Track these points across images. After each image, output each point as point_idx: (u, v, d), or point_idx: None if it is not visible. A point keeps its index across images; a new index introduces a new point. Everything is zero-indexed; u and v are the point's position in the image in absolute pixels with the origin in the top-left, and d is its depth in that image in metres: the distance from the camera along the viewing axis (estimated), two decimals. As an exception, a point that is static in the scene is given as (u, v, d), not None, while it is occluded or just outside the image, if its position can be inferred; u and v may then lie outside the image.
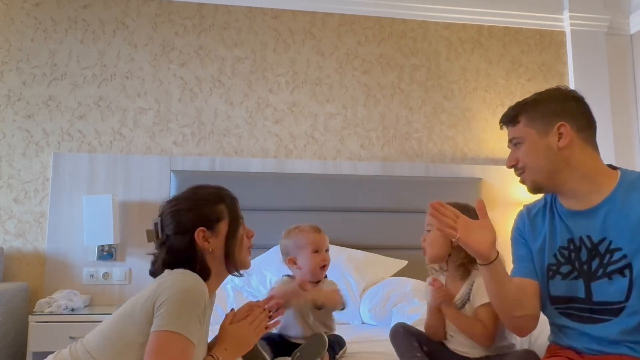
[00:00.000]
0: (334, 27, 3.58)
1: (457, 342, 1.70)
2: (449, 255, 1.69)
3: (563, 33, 3.86)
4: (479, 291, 1.64)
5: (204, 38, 3.42)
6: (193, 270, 1.39)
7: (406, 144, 3.57)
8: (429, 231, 1.71)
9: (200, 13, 3.43)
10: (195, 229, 1.43)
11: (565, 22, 3.84)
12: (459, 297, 1.70)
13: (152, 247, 1.57)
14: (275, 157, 3.39)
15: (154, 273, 1.45)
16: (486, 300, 1.59)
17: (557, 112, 1.44)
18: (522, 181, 1.50)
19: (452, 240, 1.42)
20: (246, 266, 1.53)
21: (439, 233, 1.58)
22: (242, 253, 1.51)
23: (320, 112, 3.49)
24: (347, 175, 3.38)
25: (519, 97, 1.58)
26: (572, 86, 3.77)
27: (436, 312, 1.71)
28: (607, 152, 3.65)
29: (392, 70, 3.62)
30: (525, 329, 1.53)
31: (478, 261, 1.44)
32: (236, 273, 1.52)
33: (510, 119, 1.50)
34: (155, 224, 1.48)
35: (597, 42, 3.83)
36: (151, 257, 1.51)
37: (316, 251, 1.96)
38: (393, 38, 3.65)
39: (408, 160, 3.54)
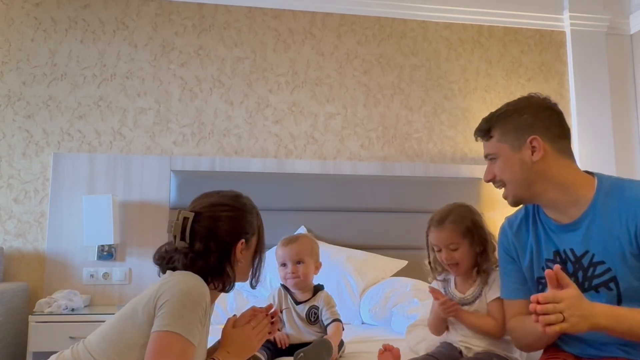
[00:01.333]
0: (334, 27, 3.58)
1: (459, 334, 1.73)
2: (478, 265, 1.72)
3: (563, 33, 3.86)
4: (493, 287, 1.69)
5: (204, 38, 3.41)
6: (211, 276, 1.40)
7: (406, 144, 3.57)
8: (454, 249, 1.70)
9: (200, 13, 3.42)
10: (239, 239, 1.45)
11: (565, 22, 3.84)
12: (470, 292, 1.73)
13: (153, 246, 1.56)
14: (275, 157, 3.39)
15: (173, 269, 1.43)
16: (497, 295, 1.65)
17: (529, 124, 1.44)
18: (505, 196, 1.50)
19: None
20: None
21: (466, 247, 1.68)
22: None
23: (320, 112, 3.49)
24: (347, 175, 3.38)
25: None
26: (572, 86, 3.78)
27: (442, 319, 1.74)
28: (607, 153, 3.66)
29: (392, 70, 3.61)
30: (535, 348, 1.56)
31: None
32: (253, 283, 1.54)
33: (483, 133, 1.51)
34: (186, 219, 1.41)
35: (597, 42, 3.83)
36: (154, 254, 1.49)
37: (283, 264, 2.00)
38: (393, 38, 3.65)
39: (408, 160, 3.54)
